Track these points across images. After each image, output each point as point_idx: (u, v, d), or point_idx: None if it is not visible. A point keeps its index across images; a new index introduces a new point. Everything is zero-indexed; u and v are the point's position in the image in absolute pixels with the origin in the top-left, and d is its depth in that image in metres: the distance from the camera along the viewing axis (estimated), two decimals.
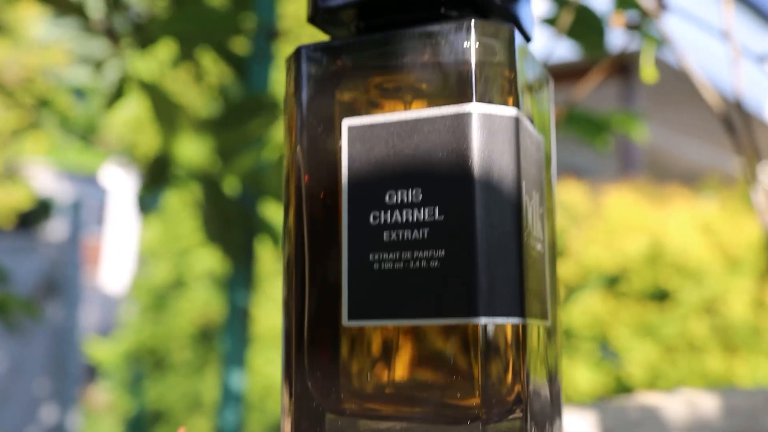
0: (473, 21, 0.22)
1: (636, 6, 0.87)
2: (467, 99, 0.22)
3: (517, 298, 0.21)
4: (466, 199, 0.21)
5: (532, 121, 0.24)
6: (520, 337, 0.21)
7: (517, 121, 0.22)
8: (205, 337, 2.80)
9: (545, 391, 0.24)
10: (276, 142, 0.85)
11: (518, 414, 0.21)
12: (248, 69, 0.92)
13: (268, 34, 0.94)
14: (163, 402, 2.78)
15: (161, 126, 0.78)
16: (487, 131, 0.21)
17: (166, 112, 0.77)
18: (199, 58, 0.86)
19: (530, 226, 0.23)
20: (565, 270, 2.75)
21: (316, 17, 0.25)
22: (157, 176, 0.84)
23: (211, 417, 2.51)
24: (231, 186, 0.86)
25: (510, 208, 0.21)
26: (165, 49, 0.91)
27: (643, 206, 2.76)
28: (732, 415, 0.53)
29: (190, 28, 0.76)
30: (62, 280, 2.49)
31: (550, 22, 0.84)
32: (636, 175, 4.47)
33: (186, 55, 0.83)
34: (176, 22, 0.75)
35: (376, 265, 0.22)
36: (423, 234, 0.21)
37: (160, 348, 2.88)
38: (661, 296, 2.57)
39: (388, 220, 0.22)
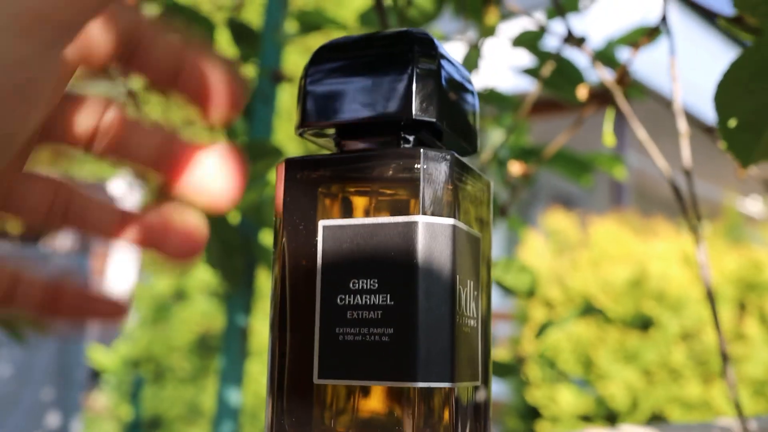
0: (422, 150, 0.28)
1: (613, 64, 0.95)
2: (416, 211, 0.27)
3: (448, 367, 0.26)
4: (411, 289, 0.26)
5: (470, 224, 0.30)
6: (452, 398, 0.27)
7: (453, 228, 0.27)
8: (204, 346, 2.86)
9: None
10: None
11: None
12: (253, 109, 0.99)
13: (272, 77, 1.02)
14: (162, 409, 2.84)
15: None
16: (429, 236, 0.27)
17: None
18: None
19: (463, 308, 0.28)
20: (553, 295, 2.83)
21: (303, 131, 0.31)
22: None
23: (208, 426, 2.57)
24: (232, 215, 0.92)
25: (446, 295, 0.27)
26: None
27: (628, 237, 2.83)
28: None
29: None
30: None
31: (533, 72, 0.92)
32: (626, 204, 4.53)
33: None
34: None
35: (340, 337, 0.27)
36: (377, 314, 0.27)
37: (160, 357, 2.94)
38: (643, 324, 2.63)
39: (351, 302, 0.27)
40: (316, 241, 0.28)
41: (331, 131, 0.31)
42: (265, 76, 1.02)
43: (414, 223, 0.27)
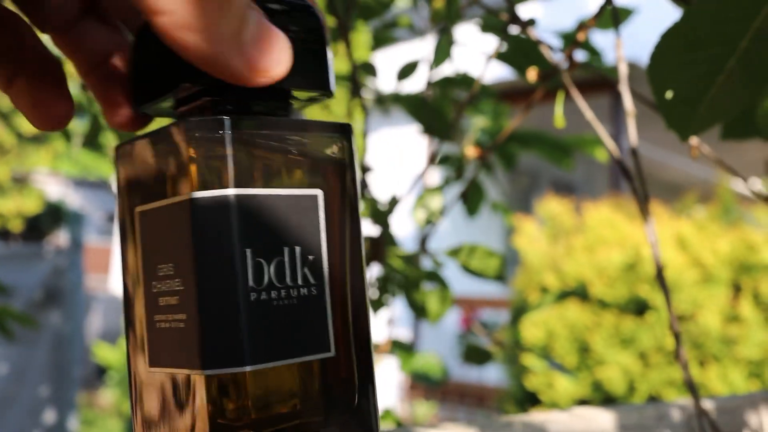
0: (179, 127, 0.25)
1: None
2: (187, 189, 0.25)
3: (240, 349, 0.25)
4: (191, 271, 0.25)
5: (286, 184, 0.27)
6: (252, 381, 0.25)
7: (236, 198, 0.25)
8: None
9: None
10: None
11: None
12: None
13: None
14: None
15: None
16: (203, 213, 0.25)
17: None
18: None
19: (270, 280, 0.26)
20: (548, 281, 2.83)
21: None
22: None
23: None
24: None
25: (227, 273, 0.25)
26: None
27: (622, 222, 2.83)
28: (622, 429, 0.56)
29: None
30: (66, 287, 2.53)
31: (500, 57, 0.92)
32: (625, 189, 4.53)
33: None
34: None
35: (157, 324, 0.26)
36: (176, 300, 0.26)
37: None
38: (638, 308, 2.64)
39: (161, 288, 0.26)
40: (135, 228, 0.28)
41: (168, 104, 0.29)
42: None
43: (185, 202, 0.25)
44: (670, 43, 0.46)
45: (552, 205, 3.16)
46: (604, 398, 2.59)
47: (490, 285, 3.68)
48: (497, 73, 3.32)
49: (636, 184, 0.66)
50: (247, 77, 0.24)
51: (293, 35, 0.26)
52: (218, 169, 0.25)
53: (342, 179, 0.28)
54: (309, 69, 0.27)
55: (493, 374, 4.30)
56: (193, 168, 0.25)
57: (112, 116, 0.30)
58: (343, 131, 0.29)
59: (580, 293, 2.53)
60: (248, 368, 0.25)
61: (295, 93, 0.28)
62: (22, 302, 2.39)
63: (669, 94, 0.49)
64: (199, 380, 0.25)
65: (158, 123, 0.29)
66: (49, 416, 2.48)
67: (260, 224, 0.26)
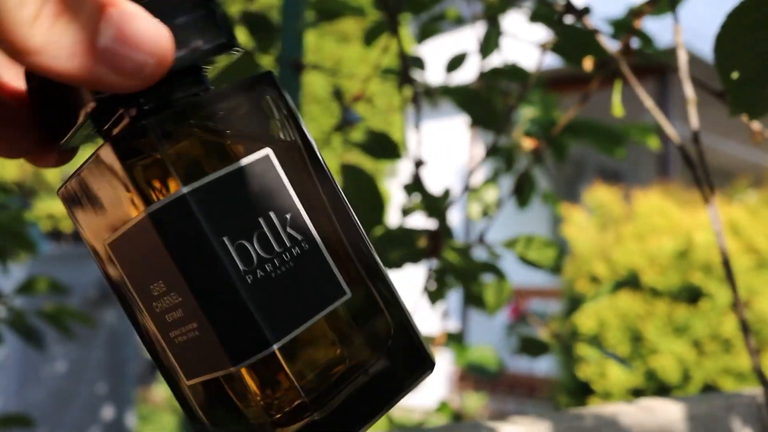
0: (111, 141, 0.24)
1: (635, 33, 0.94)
2: (139, 208, 0.24)
3: (258, 334, 0.24)
4: (178, 281, 0.24)
5: (235, 156, 0.25)
6: (281, 358, 0.25)
7: (185, 198, 0.24)
8: None
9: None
10: None
11: (305, 420, 0.25)
12: None
13: (293, 66, 1.03)
14: None
15: None
16: (165, 220, 0.24)
17: None
18: None
19: (257, 257, 0.25)
20: (599, 270, 2.80)
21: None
22: None
23: None
24: None
25: (212, 270, 0.24)
26: None
27: (673, 209, 2.79)
28: (690, 420, 0.56)
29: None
30: None
31: (551, 47, 0.91)
32: (673, 176, 4.46)
33: None
34: None
35: (176, 340, 0.26)
36: (180, 313, 0.25)
37: None
38: (691, 296, 2.60)
39: (162, 306, 0.25)
40: (112, 259, 0.27)
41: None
42: (285, 65, 1.03)
43: (144, 220, 0.24)
44: (735, 23, 0.45)
45: (600, 194, 3.13)
46: (658, 387, 2.56)
47: (538, 275, 3.65)
48: (543, 61, 3.29)
49: (699, 171, 0.65)
50: (127, 83, 0.22)
51: (173, 7, 0.24)
52: (160, 175, 0.24)
53: (286, 129, 0.27)
54: (205, 34, 0.25)
55: (543, 365, 4.28)
56: (135, 185, 0.24)
57: (36, 161, 0.28)
58: (267, 82, 0.27)
59: (631, 282, 2.51)
60: (275, 347, 0.24)
61: (203, 65, 0.27)
62: (77, 301, 2.43)
63: (735, 75, 0.48)
64: (236, 377, 0.25)
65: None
66: (107, 413, 2.52)
67: (226, 209, 0.25)
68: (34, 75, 0.26)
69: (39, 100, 0.26)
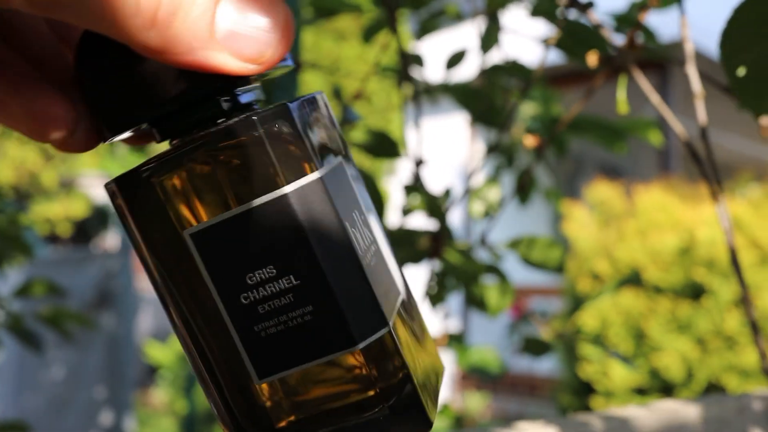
0: (255, 118, 0.24)
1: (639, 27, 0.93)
2: (279, 183, 0.24)
3: (377, 314, 0.25)
4: (310, 261, 0.25)
5: (329, 159, 0.27)
6: (392, 339, 0.26)
7: (321, 180, 0.25)
8: None
9: (424, 348, 0.30)
10: None
11: (409, 388, 0.26)
12: (272, 99, 0.99)
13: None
14: None
15: None
16: (303, 202, 0.24)
17: None
18: None
19: (362, 246, 0.26)
20: (601, 268, 2.79)
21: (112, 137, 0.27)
22: None
23: None
24: None
25: (344, 251, 0.25)
26: None
27: (675, 204, 2.77)
28: (702, 423, 0.56)
29: None
30: (116, 290, 2.57)
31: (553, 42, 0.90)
32: (674, 171, 4.45)
33: None
34: None
35: (262, 333, 0.25)
36: (289, 298, 0.25)
37: None
38: (694, 292, 2.58)
39: (257, 296, 0.25)
40: (190, 252, 0.26)
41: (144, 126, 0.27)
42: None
43: (284, 197, 0.24)
44: (742, 17, 0.44)
45: (601, 190, 3.11)
46: (661, 386, 2.55)
47: (539, 273, 3.63)
48: (545, 57, 3.28)
49: (707, 167, 0.63)
50: (250, 67, 0.24)
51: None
52: (298, 155, 0.25)
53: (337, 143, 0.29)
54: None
55: (544, 364, 4.27)
56: (278, 161, 0.24)
57: (64, 144, 0.27)
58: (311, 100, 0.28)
59: (634, 279, 2.49)
60: (389, 326, 0.26)
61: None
62: (75, 305, 2.43)
63: (742, 71, 0.47)
64: (351, 358, 0.25)
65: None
66: (106, 417, 2.51)
67: (342, 196, 0.26)
68: (87, 60, 0.25)
69: (110, 83, 0.25)
